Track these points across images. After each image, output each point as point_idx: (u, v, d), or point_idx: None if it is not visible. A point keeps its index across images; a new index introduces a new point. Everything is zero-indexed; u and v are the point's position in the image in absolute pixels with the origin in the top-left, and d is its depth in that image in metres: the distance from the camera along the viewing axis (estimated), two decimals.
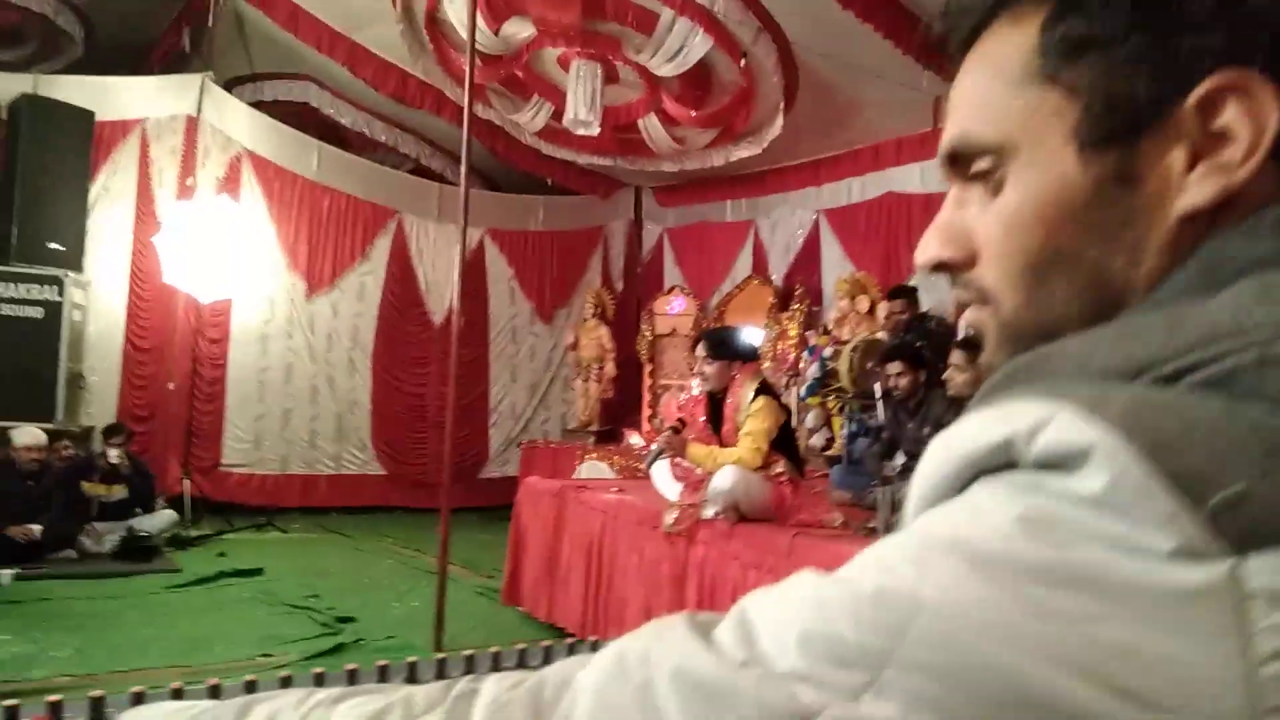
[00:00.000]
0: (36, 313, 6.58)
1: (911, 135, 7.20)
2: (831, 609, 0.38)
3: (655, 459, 4.10)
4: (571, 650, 1.23)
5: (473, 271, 9.12)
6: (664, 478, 4.24)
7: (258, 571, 5.70)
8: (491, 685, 0.50)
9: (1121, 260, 0.48)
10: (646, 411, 9.24)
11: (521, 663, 1.22)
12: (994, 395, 0.43)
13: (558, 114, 7.33)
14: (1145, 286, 0.47)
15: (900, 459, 4.50)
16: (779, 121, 6.88)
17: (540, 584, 4.88)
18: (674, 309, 9.03)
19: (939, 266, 0.54)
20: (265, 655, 4.10)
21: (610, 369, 9.07)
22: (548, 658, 1.21)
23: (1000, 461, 0.39)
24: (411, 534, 7.51)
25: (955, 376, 4.09)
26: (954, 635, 0.36)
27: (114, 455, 6.12)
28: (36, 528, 5.53)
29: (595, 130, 7.00)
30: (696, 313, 8.78)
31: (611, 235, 10.22)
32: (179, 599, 5.07)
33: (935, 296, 6.87)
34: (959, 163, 0.53)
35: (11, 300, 6.53)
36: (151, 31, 8.39)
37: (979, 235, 0.52)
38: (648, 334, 9.16)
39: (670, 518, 3.94)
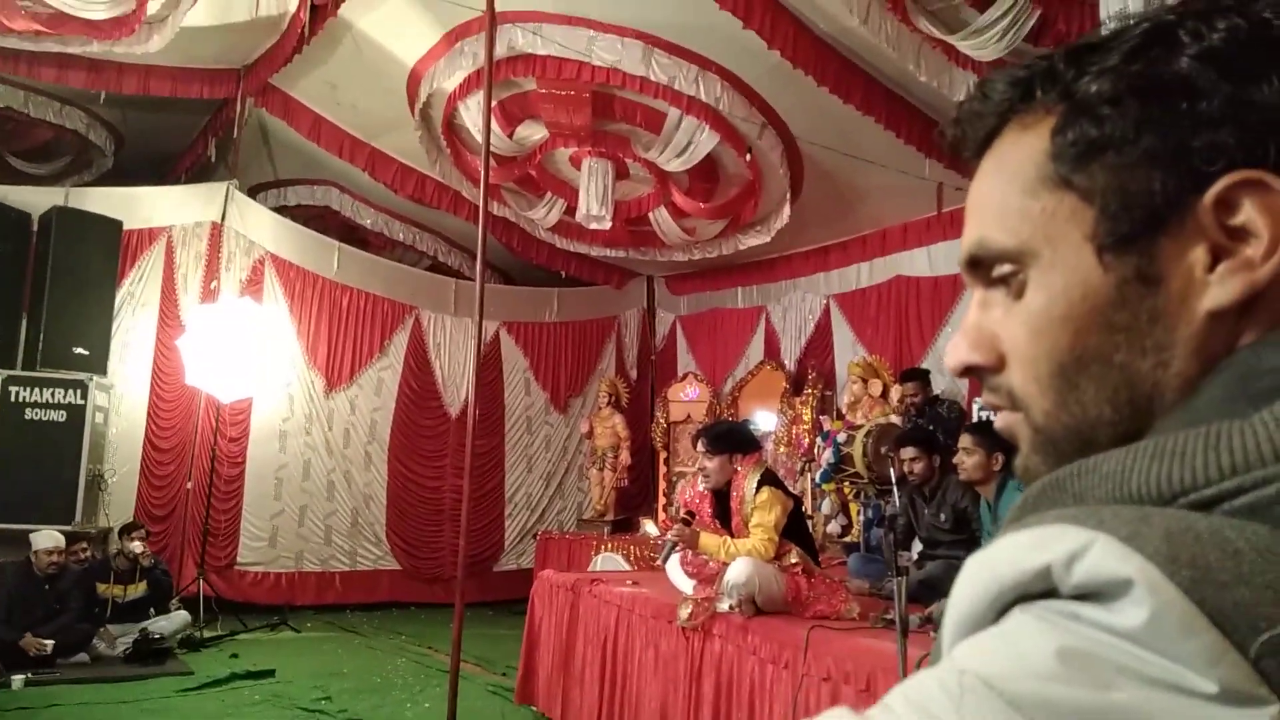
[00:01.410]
0: (60, 416, 6.69)
1: (917, 220, 7.32)
2: None
3: (669, 553, 4.06)
4: None
5: (488, 363, 9.22)
6: (678, 572, 4.19)
7: (270, 673, 5.61)
8: None
9: (1150, 362, 0.47)
10: (662, 500, 9.18)
11: None
12: (1029, 515, 0.42)
13: (570, 209, 7.53)
14: (1176, 388, 0.46)
15: (917, 546, 4.44)
16: (786, 210, 7.02)
17: (554, 682, 4.78)
18: (688, 396, 9.06)
19: (968, 370, 0.54)
20: None
21: (625, 457, 9.04)
22: None
23: (1039, 589, 0.38)
24: (426, 630, 7.41)
25: (964, 460, 4.05)
26: None
27: (137, 547, 6.13)
28: (49, 642, 5.50)
29: (607, 224, 7.17)
30: (710, 399, 8.79)
31: (625, 324, 10.34)
32: (190, 703, 5.00)
33: (948, 379, 6.89)
34: (980, 267, 0.53)
35: (37, 405, 6.64)
36: (179, 143, 8.75)
37: (1005, 339, 0.52)
38: (662, 421, 9.17)
39: (685, 612, 3.87)
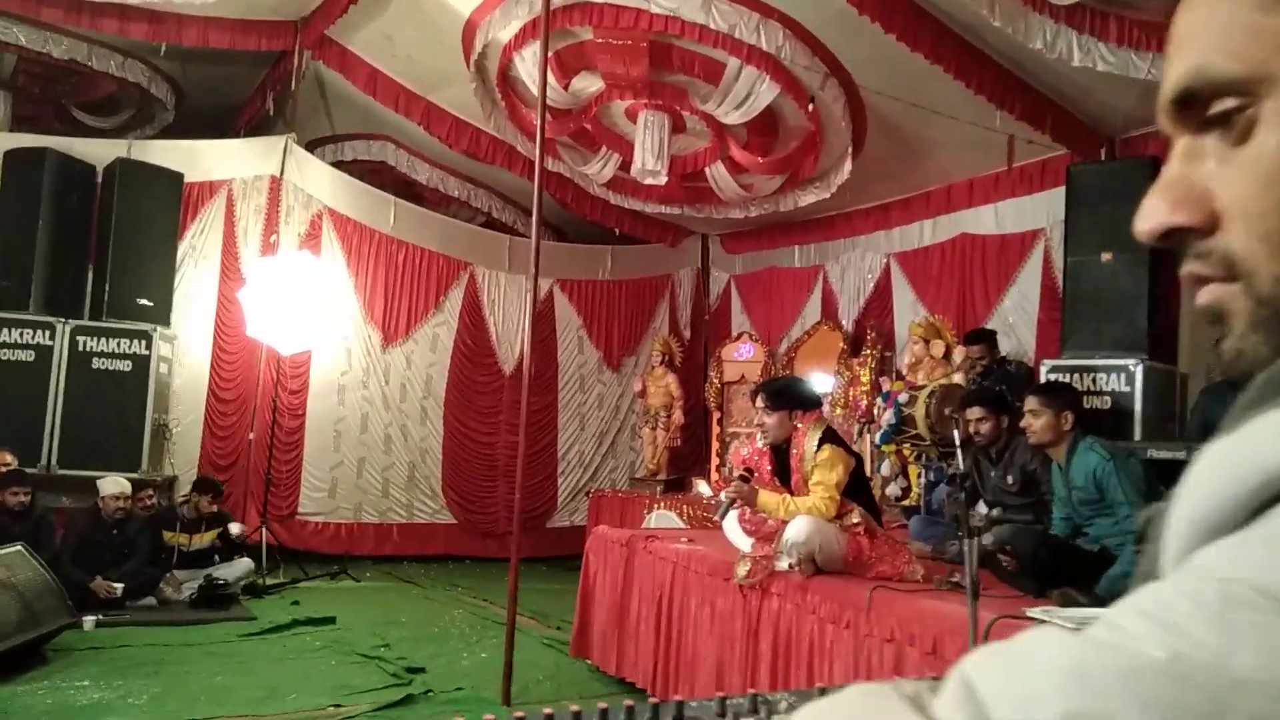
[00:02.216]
0: (125, 366, 6.84)
1: (985, 175, 7.07)
2: (1102, 682, 0.30)
3: (726, 510, 3.99)
4: (657, 713, 1.17)
5: (542, 321, 9.21)
6: (735, 529, 4.13)
7: (330, 620, 5.73)
8: None
9: None
10: (715, 460, 9.13)
11: None
12: None
13: (625, 164, 7.42)
14: None
15: (981, 509, 4.32)
16: (848, 165, 6.82)
17: (609, 636, 4.79)
18: (742, 355, 8.95)
19: (1169, 234, 0.45)
20: (336, 705, 4.09)
21: (678, 417, 9.00)
22: (631, 718, 1.15)
23: None
24: (481, 583, 7.50)
25: (1032, 422, 3.90)
26: None
27: (205, 504, 6.30)
28: (119, 585, 5.66)
29: (663, 179, 7.04)
30: (765, 359, 8.68)
31: (679, 283, 10.23)
32: (253, 647, 5.12)
33: (1013, 341, 6.68)
34: (1192, 106, 0.44)
35: (103, 354, 6.80)
36: (238, 97, 8.81)
37: (1222, 193, 0.43)
38: (716, 381, 9.09)
39: (743, 569, 3.82)
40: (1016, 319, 6.79)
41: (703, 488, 8.59)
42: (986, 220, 7.16)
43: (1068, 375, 5.40)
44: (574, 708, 1.20)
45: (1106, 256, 5.69)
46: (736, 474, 3.95)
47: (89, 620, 5.15)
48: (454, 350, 8.98)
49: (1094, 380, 5.56)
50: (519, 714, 1.17)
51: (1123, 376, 5.47)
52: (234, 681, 4.36)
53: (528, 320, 4.71)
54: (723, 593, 4.02)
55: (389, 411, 8.58)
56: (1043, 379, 5.47)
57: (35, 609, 4.52)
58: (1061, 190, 6.07)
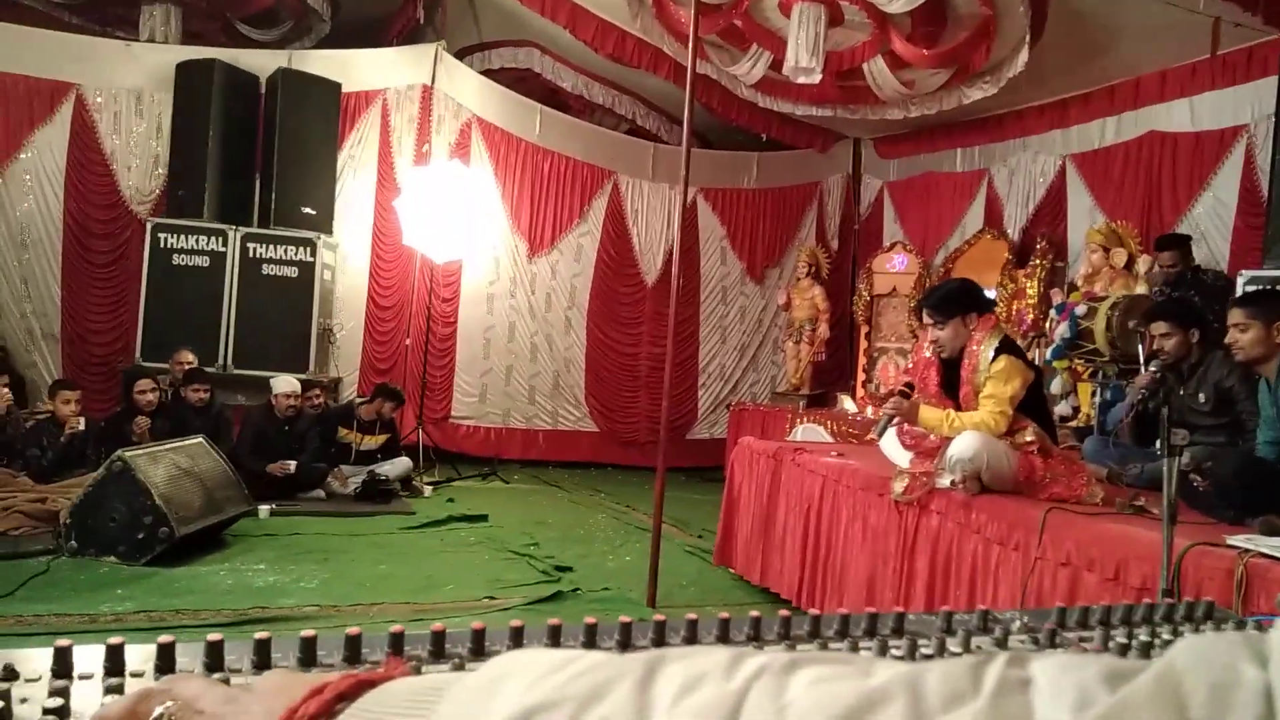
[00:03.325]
0: (292, 272, 7.18)
1: (1180, 66, 6.33)
2: None
3: (886, 427, 3.79)
4: (817, 626, 1.06)
5: (684, 231, 9.02)
6: (893, 446, 3.94)
7: (483, 518, 5.95)
8: (1060, 676, 0.32)
9: None
10: (861, 376, 8.85)
11: (756, 634, 1.07)
12: None
13: (777, 64, 7.05)
14: None
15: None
16: (1023, 56, 6.23)
17: (753, 546, 4.75)
18: (895, 266, 8.54)
19: None
20: (490, 598, 4.24)
21: (824, 330, 8.74)
22: (787, 631, 1.05)
23: None
24: (622, 490, 7.62)
25: (1239, 337, 3.51)
26: None
27: (388, 410, 6.72)
28: (292, 464, 6.07)
29: (817, 77, 6.65)
30: (920, 271, 8.25)
31: (827, 191, 9.80)
32: (413, 540, 5.37)
33: (1204, 250, 6.05)
34: None
35: (272, 261, 7.15)
36: (389, 6, 8.87)
37: None
38: (865, 294, 8.74)
39: (900, 485, 3.66)
40: (1209, 226, 6.13)
41: (847, 404, 8.36)
42: (1180, 116, 6.44)
43: (1269, 288, 4.84)
44: (755, 614, 1.12)
45: None
46: (897, 389, 3.74)
47: (264, 509, 5.52)
48: (597, 260, 8.98)
49: None
50: (692, 616, 1.10)
51: None
52: (396, 570, 4.59)
53: (676, 229, 4.61)
54: (876, 508, 3.88)
55: (535, 321, 8.71)
56: (1239, 291, 4.94)
57: (216, 496, 4.86)
58: (1272, 81, 5.36)
